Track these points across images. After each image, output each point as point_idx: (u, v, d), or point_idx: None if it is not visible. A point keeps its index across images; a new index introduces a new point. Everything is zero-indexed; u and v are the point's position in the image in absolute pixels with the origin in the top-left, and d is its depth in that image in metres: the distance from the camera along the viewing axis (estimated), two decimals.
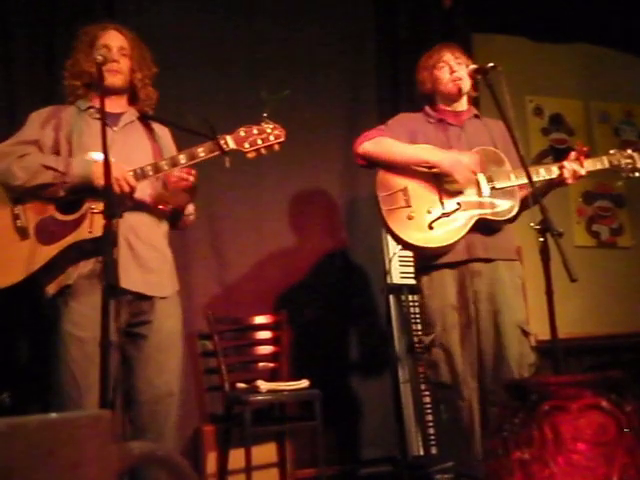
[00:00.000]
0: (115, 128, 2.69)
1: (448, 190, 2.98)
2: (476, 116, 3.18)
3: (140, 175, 2.57)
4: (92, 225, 2.47)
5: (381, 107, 4.50)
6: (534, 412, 1.47)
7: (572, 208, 5.28)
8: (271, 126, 2.66)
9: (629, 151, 3.12)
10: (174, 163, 2.60)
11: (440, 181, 2.99)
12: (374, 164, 3.04)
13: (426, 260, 3.02)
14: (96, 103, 2.68)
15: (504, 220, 2.99)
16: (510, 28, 5.07)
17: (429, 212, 2.95)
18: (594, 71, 5.40)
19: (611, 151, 3.12)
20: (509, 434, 1.47)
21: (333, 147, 4.45)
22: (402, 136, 3.06)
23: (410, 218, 2.94)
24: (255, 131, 2.65)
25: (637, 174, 3.11)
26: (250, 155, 2.66)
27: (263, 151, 2.67)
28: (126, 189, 2.51)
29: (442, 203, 2.97)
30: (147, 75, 2.79)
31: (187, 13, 4.20)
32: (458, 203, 2.96)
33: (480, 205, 2.96)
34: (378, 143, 3.03)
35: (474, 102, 3.33)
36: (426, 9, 4.75)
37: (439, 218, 2.93)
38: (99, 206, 2.36)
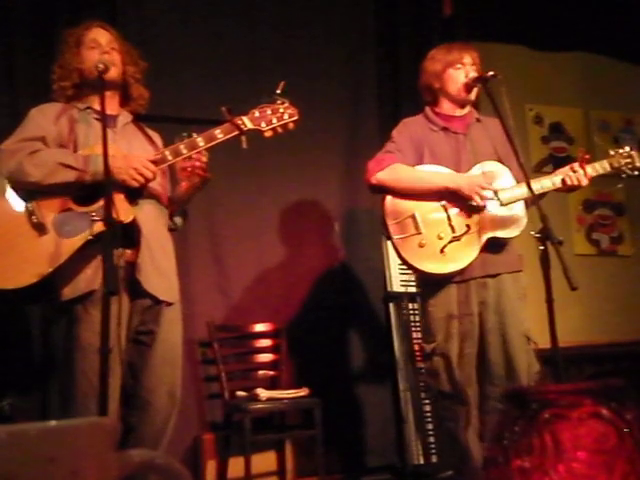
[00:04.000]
0: (115, 129, 2.69)
1: (458, 212, 2.97)
2: (477, 119, 3.15)
3: (160, 160, 2.56)
4: (93, 225, 2.42)
5: (381, 116, 4.50)
6: (534, 420, 1.46)
7: (572, 216, 5.28)
8: (285, 105, 2.67)
9: (627, 149, 3.11)
10: (193, 146, 2.58)
11: (451, 204, 2.98)
12: (387, 192, 3.01)
13: (433, 279, 3.00)
14: (92, 104, 2.68)
15: (513, 237, 2.98)
16: (510, 37, 5.08)
17: (440, 238, 2.93)
18: (594, 80, 5.42)
19: (611, 152, 3.11)
20: (509, 442, 1.46)
21: (334, 156, 4.46)
22: (409, 153, 3.04)
23: (421, 246, 2.92)
24: (269, 111, 2.65)
25: (636, 172, 3.11)
26: (267, 134, 2.66)
27: (279, 130, 2.67)
28: (149, 175, 2.49)
29: (452, 227, 2.95)
30: (138, 70, 2.79)
31: (188, 21, 4.21)
32: (467, 225, 2.95)
33: (489, 224, 2.95)
34: (393, 171, 2.99)
35: (475, 106, 3.31)
36: (426, 18, 4.77)
37: (450, 242, 2.92)
38: (99, 213, 2.36)
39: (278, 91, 2.65)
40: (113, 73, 2.64)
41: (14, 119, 2.75)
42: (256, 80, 4.16)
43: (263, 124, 2.64)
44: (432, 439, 4.01)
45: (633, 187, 5.38)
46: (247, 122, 2.62)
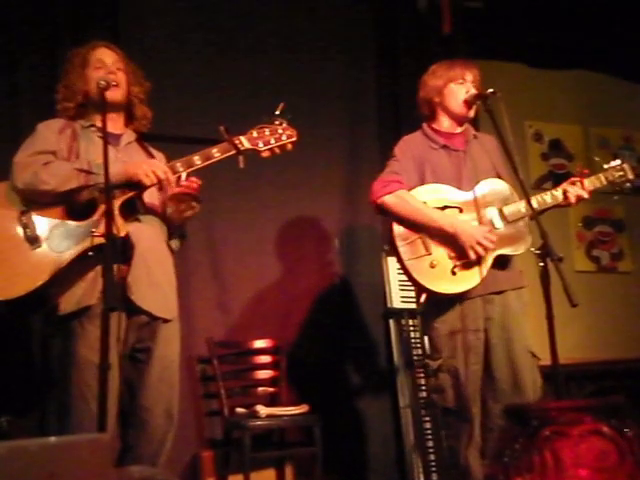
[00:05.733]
0: (117, 147, 2.70)
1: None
2: (474, 136, 3.15)
3: None
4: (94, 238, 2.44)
5: (381, 133, 4.51)
6: (535, 437, 1.46)
7: (572, 233, 5.28)
8: (283, 126, 2.67)
9: (618, 162, 3.15)
10: (189, 164, 2.60)
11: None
12: (390, 217, 3.01)
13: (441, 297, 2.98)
14: (96, 122, 2.69)
15: (521, 253, 2.97)
16: (509, 55, 5.10)
17: (450, 257, 2.92)
18: (593, 97, 5.43)
19: (604, 166, 3.15)
20: (510, 459, 1.46)
21: (334, 172, 4.46)
22: (413, 173, 3.03)
23: (433, 266, 2.91)
24: (267, 132, 2.66)
25: (628, 185, 3.14)
26: (264, 154, 2.67)
27: (277, 150, 2.68)
28: (161, 175, 2.51)
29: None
30: (142, 90, 2.81)
31: (189, 40, 4.23)
32: None
33: (496, 241, 2.93)
34: (399, 199, 2.98)
35: (475, 123, 3.32)
36: (426, 35, 4.79)
37: (460, 261, 2.91)
38: (100, 229, 2.36)
39: (277, 112, 2.66)
40: (118, 95, 2.67)
41: (17, 135, 2.76)
42: (257, 97, 4.18)
43: (261, 144, 2.65)
44: (432, 457, 3.99)
45: (632, 204, 5.40)
46: (245, 142, 2.63)
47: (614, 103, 5.43)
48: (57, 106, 2.76)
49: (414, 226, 2.96)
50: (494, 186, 3.03)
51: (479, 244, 2.88)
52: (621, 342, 4.92)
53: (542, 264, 2.50)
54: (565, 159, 5.36)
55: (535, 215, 2.75)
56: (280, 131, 2.67)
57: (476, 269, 2.91)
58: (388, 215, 3.03)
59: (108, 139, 2.64)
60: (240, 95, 4.26)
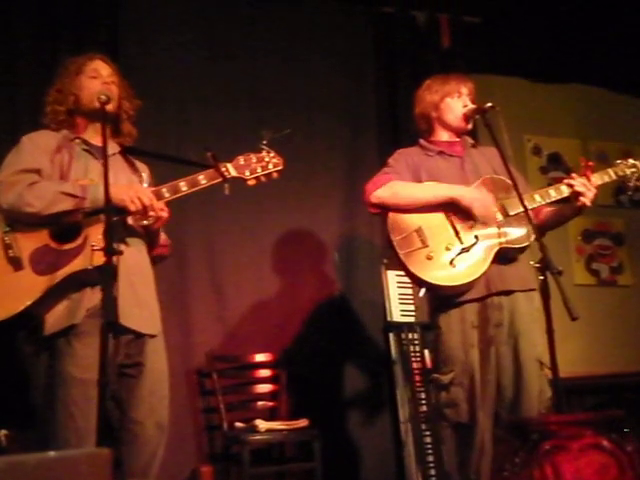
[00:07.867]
0: (101, 160, 2.68)
1: (463, 224, 2.92)
2: (473, 145, 3.14)
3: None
4: (93, 256, 2.43)
5: (380, 145, 4.53)
6: (535, 451, 1.46)
7: (571, 246, 5.28)
8: (270, 154, 2.67)
9: (631, 160, 3.09)
10: (175, 190, 2.58)
11: (455, 216, 2.93)
12: (388, 209, 2.96)
13: (445, 299, 2.93)
14: (81, 134, 2.69)
15: (523, 247, 2.92)
16: (508, 69, 5.13)
17: (448, 249, 2.86)
18: (592, 111, 5.45)
19: (617, 161, 3.09)
20: (510, 473, 1.45)
21: (333, 185, 4.48)
22: (406, 175, 3.01)
23: (429, 258, 2.85)
24: (254, 159, 2.66)
25: None
26: (250, 183, 2.67)
27: (263, 179, 2.67)
28: (147, 202, 2.49)
29: (459, 238, 2.89)
30: (132, 107, 2.80)
31: (189, 51, 4.26)
32: (475, 236, 2.89)
33: (497, 235, 2.89)
34: (391, 188, 2.95)
35: (474, 137, 3.32)
36: (425, 50, 4.82)
37: (459, 254, 2.85)
38: (99, 242, 2.35)
39: (264, 142, 2.66)
40: (110, 108, 2.63)
41: (15, 141, 2.75)
42: (257, 110, 4.20)
43: (247, 172, 2.64)
44: (433, 472, 3.97)
45: (632, 217, 5.41)
46: (231, 169, 2.62)
47: (613, 117, 5.45)
48: (47, 108, 2.73)
49: (412, 209, 2.92)
50: (495, 181, 2.98)
51: (480, 200, 2.88)
52: (621, 356, 4.91)
53: (541, 277, 2.49)
54: (564, 173, 5.35)
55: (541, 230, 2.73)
56: (267, 159, 2.67)
57: (477, 262, 2.86)
58: (384, 210, 2.97)
59: (92, 151, 2.65)
60: (240, 107, 4.29)
